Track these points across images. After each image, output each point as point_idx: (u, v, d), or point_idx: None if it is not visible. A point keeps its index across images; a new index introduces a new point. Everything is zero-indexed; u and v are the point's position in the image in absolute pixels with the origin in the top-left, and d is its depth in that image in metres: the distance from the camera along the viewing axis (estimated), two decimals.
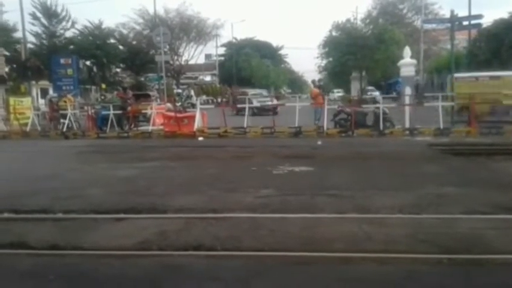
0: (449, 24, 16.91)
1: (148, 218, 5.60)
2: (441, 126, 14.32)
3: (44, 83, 34.87)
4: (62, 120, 18.05)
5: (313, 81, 21.93)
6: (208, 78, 65.15)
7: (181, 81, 53.34)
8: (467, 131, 14.31)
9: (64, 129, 17.40)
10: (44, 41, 41.28)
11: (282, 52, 72.23)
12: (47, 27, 41.38)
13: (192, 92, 37.48)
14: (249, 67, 55.69)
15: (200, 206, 6.04)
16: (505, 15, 30.48)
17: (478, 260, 4.01)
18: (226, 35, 59.31)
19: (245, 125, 15.71)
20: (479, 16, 17.09)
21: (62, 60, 30.26)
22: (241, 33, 72.77)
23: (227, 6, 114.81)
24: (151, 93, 27.37)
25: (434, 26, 30.13)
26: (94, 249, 4.49)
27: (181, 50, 52.14)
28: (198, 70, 62.39)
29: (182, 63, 53.24)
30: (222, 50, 62.13)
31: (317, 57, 39.20)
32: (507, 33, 28.56)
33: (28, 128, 17.88)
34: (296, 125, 15.48)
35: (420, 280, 3.70)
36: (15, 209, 6.03)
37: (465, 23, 17.11)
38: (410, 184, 7.23)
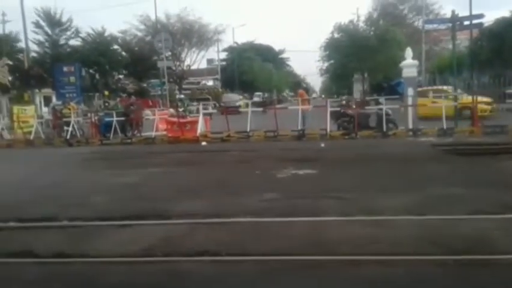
0: (450, 24, 16.88)
1: (153, 224, 5.59)
2: (445, 126, 14.28)
3: (47, 91, 35.03)
4: (65, 128, 18.09)
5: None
6: (210, 83, 65.21)
7: (184, 86, 53.42)
8: (470, 130, 14.27)
9: (68, 137, 17.44)
10: (47, 50, 41.47)
11: (284, 55, 72.35)
12: (50, 36, 41.58)
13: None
14: (251, 71, 55.73)
15: (204, 211, 6.03)
16: (507, 15, 30.48)
17: (485, 260, 3.98)
18: (227, 40, 59.22)
19: (248, 129, 15.71)
20: (480, 15, 17.04)
21: (64, 68, 30.38)
22: (243, 38, 72.86)
23: (228, 11, 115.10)
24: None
25: (435, 26, 29.98)
26: (99, 257, 4.49)
27: (183, 55, 52.26)
28: (200, 75, 62.47)
29: (185, 68, 53.33)
30: (223, 55, 62.25)
31: (319, 60, 39.26)
32: (509, 32, 28.49)
33: (32, 136, 17.92)
34: (299, 128, 15.49)
35: (427, 282, 3.68)
36: (20, 217, 6.03)
37: (466, 22, 17.07)
38: (414, 185, 7.19)
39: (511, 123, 14.13)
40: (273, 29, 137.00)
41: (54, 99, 31.43)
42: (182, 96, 39.32)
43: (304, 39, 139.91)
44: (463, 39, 33.62)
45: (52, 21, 41.34)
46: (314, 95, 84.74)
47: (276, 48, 70.45)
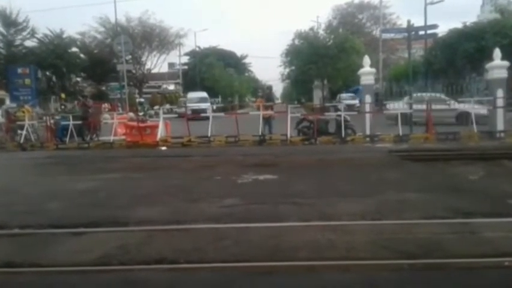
0: (406, 34, 17.41)
1: (109, 231, 5.46)
2: (401, 133, 14.68)
3: (1, 93, 33.73)
4: (19, 132, 17.41)
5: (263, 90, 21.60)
6: (171, 87, 64.59)
7: (144, 90, 52.68)
8: (425, 137, 14.73)
9: (22, 141, 16.81)
10: (1, 50, 39.95)
11: (246, 61, 72.51)
12: (5, 36, 40.08)
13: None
14: (213, 76, 55.60)
15: (163, 217, 5.95)
16: (459, 25, 31.78)
17: (438, 264, 4.10)
18: (189, 44, 58.81)
19: (209, 134, 15.62)
20: (434, 26, 17.68)
21: (19, 70, 29.48)
22: (205, 42, 72.43)
23: (190, 15, 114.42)
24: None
25: (392, 35, 30.91)
26: (52, 266, 4.33)
27: (143, 59, 51.59)
28: (161, 79, 61.83)
29: (145, 72, 52.61)
30: (185, 59, 61.83)
31: (280, 66, 39.68)
32: (461, 43, 29.69)
33: None
34: (260, 133, 15.54)
35: (383, 286, 3.76)
36: None
37: (421, 32, 17.66)
38: (371, 190, 7.35)
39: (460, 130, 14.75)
40: (235, 35, 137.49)
41: (8, 101, 30.31)
42: (142, 100, 38.81)
43: (266, 45, 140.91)
44: (418, 49, 34.81)
45: (7, 21, 39.87)
46: (277, 101, 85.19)
47: (239, 53, 70.62)
